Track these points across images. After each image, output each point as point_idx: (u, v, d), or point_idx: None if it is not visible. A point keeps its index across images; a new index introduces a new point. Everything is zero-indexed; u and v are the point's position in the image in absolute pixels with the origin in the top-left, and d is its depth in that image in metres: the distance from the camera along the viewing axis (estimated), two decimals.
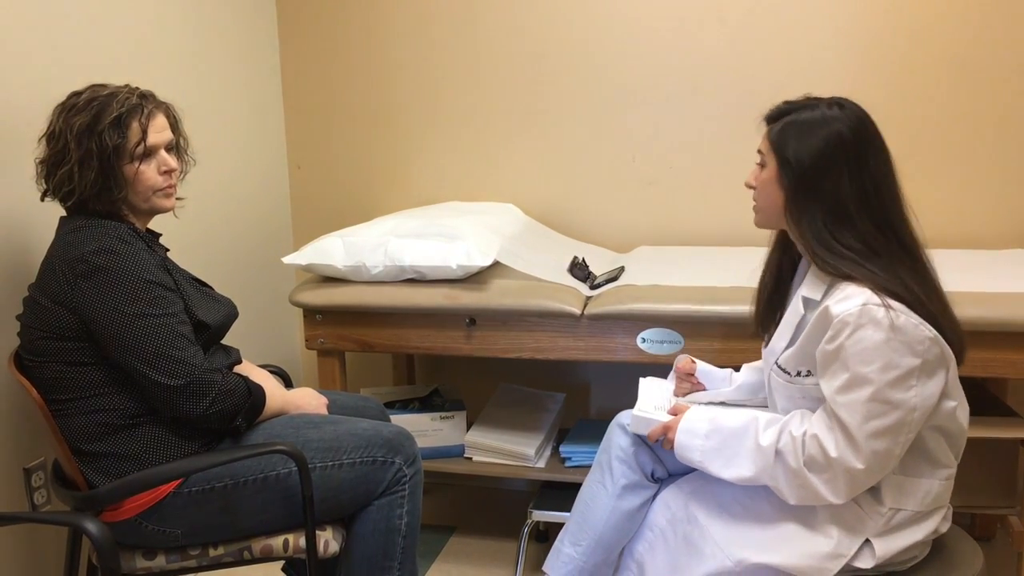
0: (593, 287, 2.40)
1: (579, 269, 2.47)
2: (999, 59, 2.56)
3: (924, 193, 2.64)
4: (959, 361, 1.54)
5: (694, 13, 2.73)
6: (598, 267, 2.54)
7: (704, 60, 2.75)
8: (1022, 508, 2.21)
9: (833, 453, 1.47)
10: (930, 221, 2.61)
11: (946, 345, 1.49)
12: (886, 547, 1.55)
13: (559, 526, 2.55)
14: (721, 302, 2.17)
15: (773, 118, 1.61)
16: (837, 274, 1.53)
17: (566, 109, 2.88)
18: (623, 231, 2.91)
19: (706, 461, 1.63)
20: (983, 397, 2.37)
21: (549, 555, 1.86)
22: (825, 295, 1.56)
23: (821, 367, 1.52)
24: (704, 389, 1.93)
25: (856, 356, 1.45)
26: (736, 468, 1.59)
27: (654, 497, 1.79)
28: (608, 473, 1.79)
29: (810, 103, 1.58)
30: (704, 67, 2.76)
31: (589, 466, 2.47)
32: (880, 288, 1.47)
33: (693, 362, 1.93)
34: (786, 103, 1.61)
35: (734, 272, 2.36)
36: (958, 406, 1.56)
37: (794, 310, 1.63)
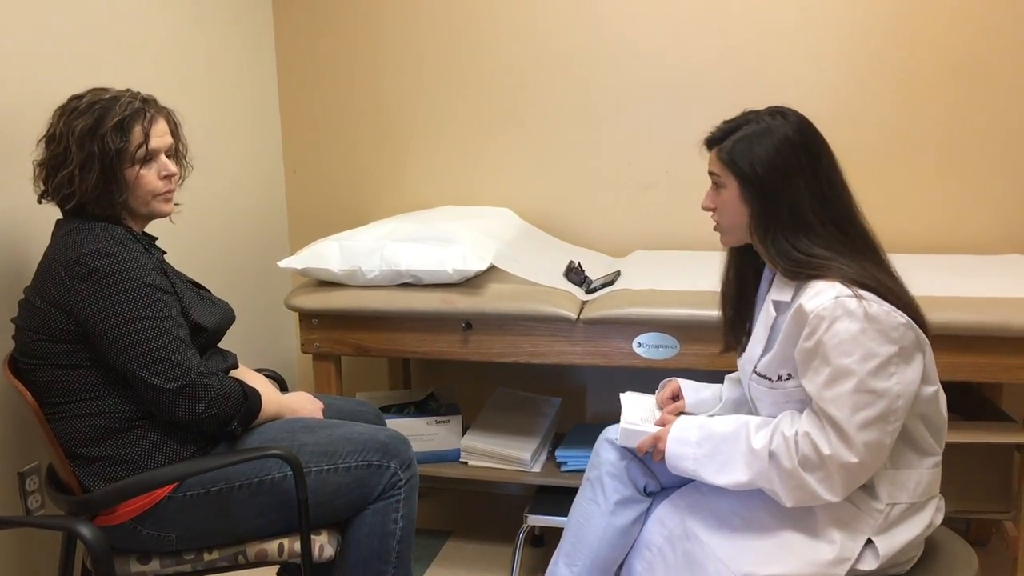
0: (589, 291, 2.40)
1: (575, 273, 2.47)
2: (1000, 64, 2.57)
3: (922, 198, 2.68)
4: None
5: (690, 18, 2.74)
6: (594, 271, 2.54)
7: (700, 65, 2.76)
8: (1017, 513, 2.21)
9: (826, 450, 1.48)
10: (928, 226, 2.68)
11: (919, 330, 1.50)
12: (888, 545, 1.55)
13: (555, 531, 2.55)
14: (717, 307, 2.16)
15: (717, 139, 1.62)
16: (805, 276, 1.54)
17: (562, 113, 2.89)
18: (619, 235, 2.91)
19: (699, 469, 1.62)
20: (978, 402, 2.37)
21: None
22: (795, 295, 1.57)
23: (802, 366, 1.52)
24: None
25: (835, 349, 1.46)
26: (730, 474, 1.58)
27: (647, 512, 1.78)
28: (600, 490, 1.77)
29: (751, 117, 1.60)
30: (700, 72, 2.76)
31: (584, 471, 2.49)
32: (849, 280, 1.49)
33: (678, 398, 1.91)
34: (726, 123, 1.63)
35: None
36: (938, 391, 1.58)
37: (766, 315, 1.64)
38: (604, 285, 2.40)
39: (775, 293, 1.62)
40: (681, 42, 2.76)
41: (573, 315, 2.26)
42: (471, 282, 2.37)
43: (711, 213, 1.66)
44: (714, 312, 2.13)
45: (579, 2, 2.81)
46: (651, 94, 2.81)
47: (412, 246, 2.36)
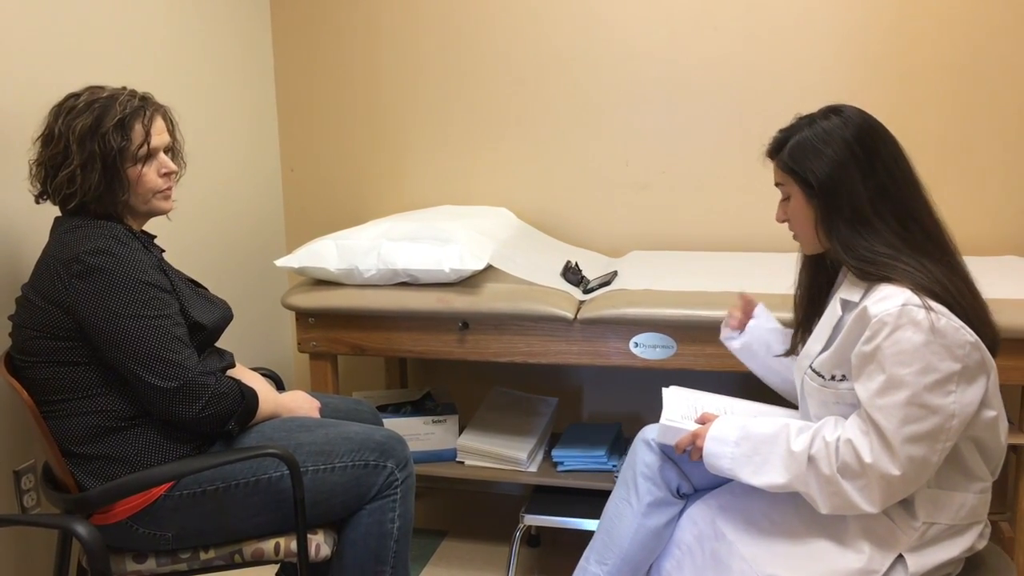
0: (586, 291, 2.40)
1: (572, 273, 2.47)
2: (998, 66, 2.58)
3: None
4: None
5: (688, 18, 2.74)
6: (591, 271, 2.54)
7: (697, 65, 2.76)
8: (1013, 514, 2.22)
9: (868, 459, 1.44)
10: None
11: (987, 351, 1.46)
12: (919, 563, 1.51)
13: (551, 530, 2.55)
14: (714, 306, 2.17)
15: (776, 149, 1.61)
16: (876, 278, 1.51)
17: (560, 113, 2.89)
18: (616, 235, 2.91)
19: (736, 468, 1.59)
20: None
21: (575, 574, 1.82)
22: (864, 296, 1.53)
23: (857, 369, 1.48)
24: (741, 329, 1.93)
25: (893, 357, 1.42)
26: (767, 475, 1.55)
27: (680, 513, 1.77)
28: (633, 490, 1.76)
29: (804, 121, 1.59)
30: (697, 72, 2.76)
31: (581, 471, 2.50)
32: (920, 288, 1.45)
33: (752, 303, 1.92)
34: (781, 131, 1.62)
35: (727, 276, 2.37)
36: (998, 416, 1.52)
37: (832, 312, 1.61)
38: (601, 285, 2.40)
39: (844, 292, 1.59)
40: (678, 42, 2.76)
41: (570, 315, 2.26)
42: (468, 282, 2.37)
43: (787, 224, 1.65)
44: (711, 312, 2.16)
45: (576, 2, 2.81)
46: (648, 94, 2.81)
47: (409, 245, 2.36)
